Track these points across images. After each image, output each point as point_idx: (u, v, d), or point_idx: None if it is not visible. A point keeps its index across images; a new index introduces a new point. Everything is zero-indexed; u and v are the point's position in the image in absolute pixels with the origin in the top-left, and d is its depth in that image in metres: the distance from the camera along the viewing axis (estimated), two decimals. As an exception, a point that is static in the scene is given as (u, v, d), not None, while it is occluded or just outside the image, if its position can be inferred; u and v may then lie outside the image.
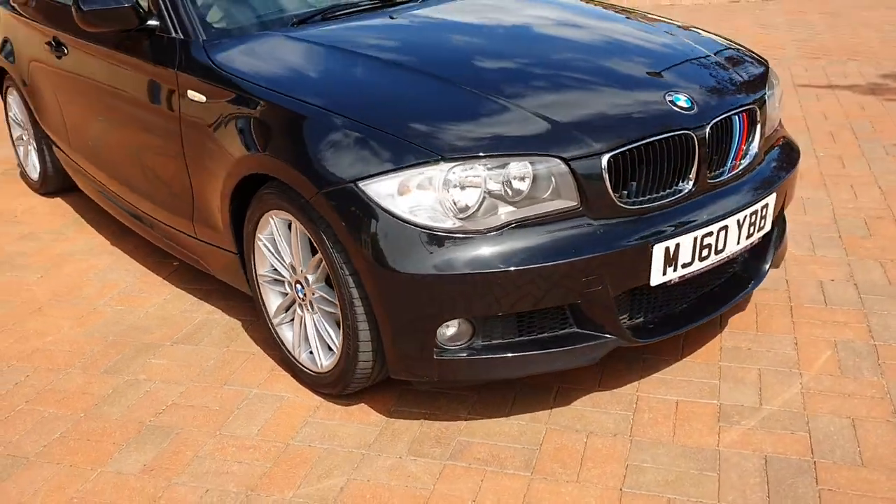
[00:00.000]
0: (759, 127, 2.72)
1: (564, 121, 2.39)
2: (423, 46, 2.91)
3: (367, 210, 2.31)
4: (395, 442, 2.50)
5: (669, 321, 2.60)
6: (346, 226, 2.34)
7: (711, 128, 2.53)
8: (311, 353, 2.73)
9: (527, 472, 2.34)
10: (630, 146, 2.38)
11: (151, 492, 2.36)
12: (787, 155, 2.90)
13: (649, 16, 3.44)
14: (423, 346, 2.37)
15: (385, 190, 2.30)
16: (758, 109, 2.71)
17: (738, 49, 3.09)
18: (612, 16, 3.33)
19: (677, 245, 2.42)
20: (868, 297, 3.12)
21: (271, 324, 2.87)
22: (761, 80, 2.85)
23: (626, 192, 2.41)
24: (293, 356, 2.79)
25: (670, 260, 2.42)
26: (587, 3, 3.57)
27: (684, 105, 2.52)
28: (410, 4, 3.34)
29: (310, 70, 2.81)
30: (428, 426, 2.56)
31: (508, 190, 2.31)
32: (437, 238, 2.29)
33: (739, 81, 2.75)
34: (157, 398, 2.79)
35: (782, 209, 2.85)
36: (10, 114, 4.88)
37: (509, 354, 2.40)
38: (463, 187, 2.28)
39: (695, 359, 2.81)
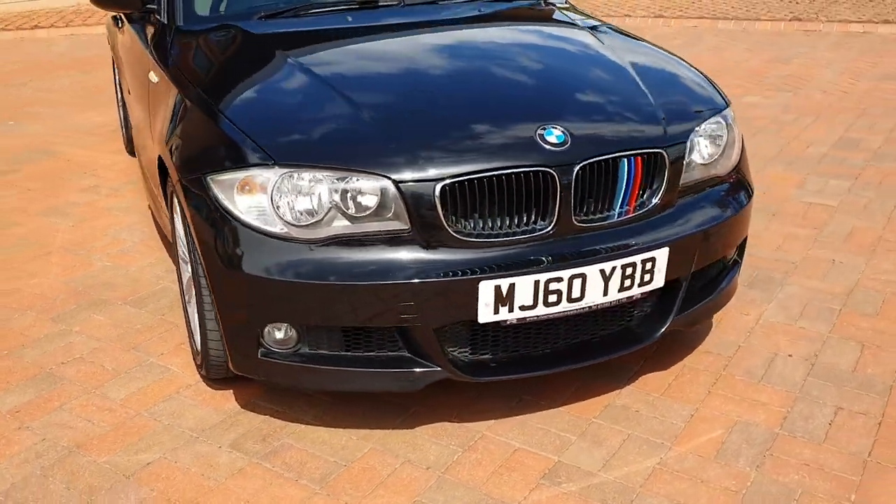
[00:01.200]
0: (665, 174, 2.49)
1: (410, 144, 2.32)
2: (341, 53, 2.92)
3: (209, 204, 2.37)
4: (227, 432, 2.56)
5: (520, 363, 2.46)
6: (191, 215, 2.43)
7: (584, 168, 2.35)
8: (198, 333, 2.85)
9: (316, 487, 2.31)
10: (468, 177, 2.27)
11: (2, 431, 2.59)
12: (717, 206, 2.62)
13: (613, 38, 3.18)
14: (249, 344, 2.41)
15: (226, 186, 2.36)
16: (664, 154, 2.47)
17: (686, 87, 2.83)
18: (554, 38, 3.18)
19: (512, 285, 2.28)
20: (814, 382, 2.75)
21: (182, 301, 3.02)
22: (688, 122, 2.59)
23: (468, 222, 2.31)
24: (189, 334, 2.93)
25: (503, 299, 2.29)
26: (560, 24, 3.39)
27: (554, 141, 2.35)
28: (382, 9, 3.37)
29: (230, 63, 2.90)
30: (268, 423, 2.60)
31: (340, 204, 2.29)
32: (264, 241, 2.31)
33: (650, 122, 2.52)
34: (71, 350, 3.03)
35: (703, 263, 2.59)
36: (117, 79, 5.41)
37: (331, 367, 2.38)
38: (295, 194, 2.29)
39: (571, 409, 2.63)
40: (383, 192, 2.27)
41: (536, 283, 2.30)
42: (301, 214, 2.29)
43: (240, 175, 2.34)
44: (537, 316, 2.35)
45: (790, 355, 2.91)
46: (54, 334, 3.14)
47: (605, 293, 2.39)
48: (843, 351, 2.94)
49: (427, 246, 2.28)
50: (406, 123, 2.41)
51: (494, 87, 2.65)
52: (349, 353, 2.40)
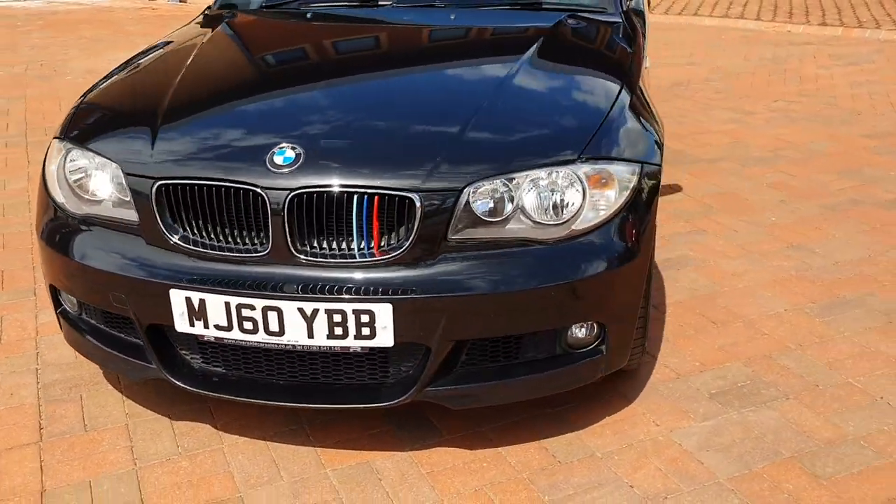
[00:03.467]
0: (416, 222, 2.14)
1: (165, 140, 2.32)
2: (276, 51, 2.97)
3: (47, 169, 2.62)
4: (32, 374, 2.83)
5: (243, 386, 2.33)
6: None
7: (304, 197, 2.14)
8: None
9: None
10: (181, 181, 2.21)
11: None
12: (512, 272, 2.18)
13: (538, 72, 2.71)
14: (53, 296, 2.63)
15: (51, 150, 2.58)
16: (413, 200, 2.13)
17: (534, 138, 2.36)
18: (470, 67, 2.84)
19: (202, 301, 2.18)
20: None
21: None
22: (471, 174, 2.17)
23: (186, 227, 2.25)
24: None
25: (196, 313, 2.20)
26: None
27: (280, 161, 2.17)
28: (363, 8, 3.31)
29: (179, 47, 3.09)
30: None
31: (88, 185, 2.39)
32: (49, 205, 2.51)
33: (420, 165, 2.17)
34: None
35: (479, 334, 2.21)
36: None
37: (93, 340, 2.50)
38: (72, 171, 2.44)
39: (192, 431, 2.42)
40: (119, 182, 2.32)
41: (227, 304, 2.17)
42: (71, 190, 2.43)
43: (54, 142, 2.55)
44: (237, 340, 2.23)
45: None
46: None
47: (311, 336, 2.17)
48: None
49: (147, 242, 2.29)
50: (186, 121, 2.42)
51: (307, 100, 2.52)
52: (110, 331, 2.50)
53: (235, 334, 2.21)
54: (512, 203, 2.20)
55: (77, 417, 2.59)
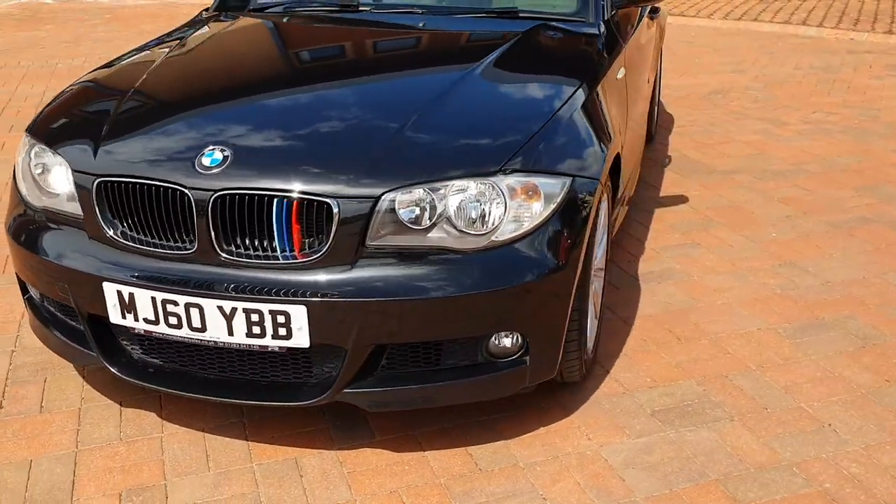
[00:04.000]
0: (334, 227, 2.19)
1: (110, 141, 2.43)
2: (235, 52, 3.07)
3: None
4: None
5: (176, 379, 2.42)
6: None
7: (227, 198, 2.21)
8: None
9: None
10: (118, 179, 2.32)
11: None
12: (426, 281, 2.21)
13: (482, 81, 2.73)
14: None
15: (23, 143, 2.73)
16: (331, 205, 2.18)
17: (461, 146, 2.39)
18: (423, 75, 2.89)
19: (132, 294, 2.28)
20: None
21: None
22: (390, 182, 2.21)
23: (124, 223, 2.35)
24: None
25: (126, 306, 2.31)
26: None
27: (207, 163, 2.25)
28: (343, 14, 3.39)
29: (154, 49, 3.21)
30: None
31: (47, 179, 2.52)
32: (20, 204, 2.64)
33: (340, 171, 2.22)
34: None
35: (394, 339, 2.25)
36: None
37: (45, 326, 2.64)
38: (34, 165, 2.58)
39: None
40: (67, 178, 2.44)
41: (154, 299, 2.27)
42: (34, 182, 2.57)
43: (24, 136, 2.70)
44: (164, 334, 2.32)
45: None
46: None
47: (231, 333, 2.25)
48: None
49: (89, 237, 2.40)
50: (133, 124, 2.52)
51: (248, 106, 2.61)
52: (63, 319, 2.62)
53: (162, 328, 2.31)
54: (434, 212, 2.23)
55: (36, 399, 2.73)
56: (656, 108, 5.29)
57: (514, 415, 2.65)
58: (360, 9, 3.38)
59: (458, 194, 2.25)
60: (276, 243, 2.23)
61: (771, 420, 2.65)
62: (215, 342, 2.29)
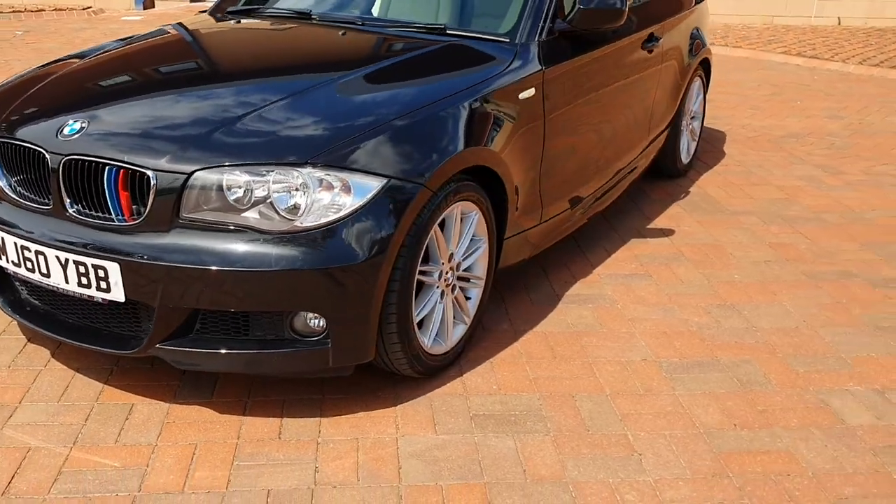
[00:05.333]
0: (151, 196, 2.48)
1: (13, 111, 2.85)
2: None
3: None
4: None
5: (43, 319, 2.79)
6: None
7: (73, 163, 2.56)
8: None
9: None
10: (3, 139, 2.74)
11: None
12: (225, 256, 2.45)
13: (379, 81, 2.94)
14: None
15: None
16: (149, 177, 2.47)
17: (294, 137, 2.62)
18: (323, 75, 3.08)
19: (2, 239, 2.68)
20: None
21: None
22: (197, 161, 2.50)
23: (12, 179, 2.76)
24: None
25: (1, 250, 2.70)
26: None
27: (66, 132, 2.62)
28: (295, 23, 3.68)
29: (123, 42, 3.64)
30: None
31: None
32: None
33: (172, 146, 2.51)
34: None
35: (200, 304, 2.50)
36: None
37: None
38: None
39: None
40: None
41: (16, 244, 2.66)
42: None
43: None
44: (25, 276, 2.70)
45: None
46: None
47: (67, 281, 2.59)
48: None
49: None
50: (36, 97, 2.94)
51: (131, 91, 3.00)
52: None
53: (23, 272, 2.69)
54: (250, 194, 2.48)
55: (-32, 326, 3.21)
56: (683, 141, 5.21)
57: (348, 398, 2.83)
58: (311, 19, 3.66)
59: (270, 180, 2.47)
60: (109, 204, 2.56)
61: (584, 441, 2.67)
62: (56, 287, 2.64)
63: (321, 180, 2.50)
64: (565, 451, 2.62)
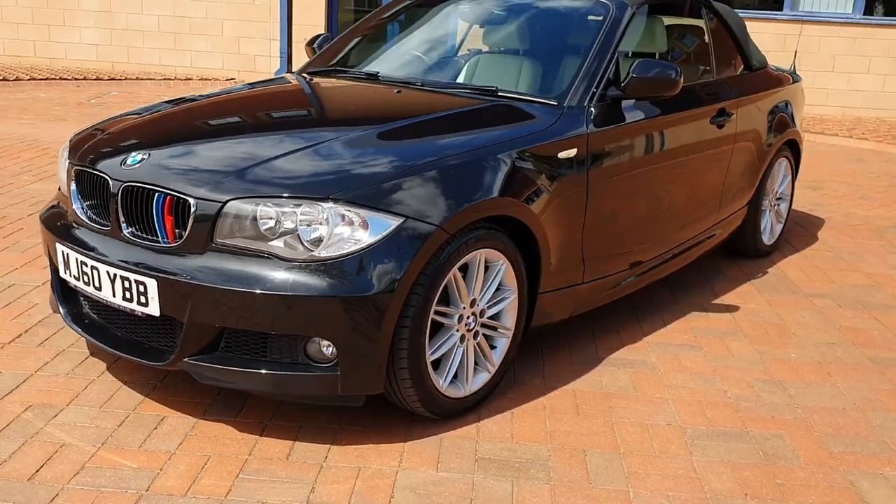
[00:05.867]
0: (190, 222, 2.73)
1: (97, 140, 3.19)
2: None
3: None
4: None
5: (98, 331, 3.05)
6: None
7: (130, 189, 2.84)
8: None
9: None
10: (77, 166, 3.06)
11: None
12: (249, 280, 2.65)
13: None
14: None
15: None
16: (190, 204, 2.71)
17: (320, 173, 2.83)
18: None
19: (67, 254, 2.99)
20: (266, 503, 2.48)
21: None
22: (237, 192, 2.72)
23: (86, 202, 3.07)
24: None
25: (66, 263, 3.01)
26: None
27: (129, 162, 2.91)
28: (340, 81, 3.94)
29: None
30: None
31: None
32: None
33: (216, 178, 2.76)
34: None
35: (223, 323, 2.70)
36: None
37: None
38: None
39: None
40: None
41: (77, 260, 2.95)
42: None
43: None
44: (83, 289, 2.98)
45: (320, 488, 2.59)
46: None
47: (114, 295, 2.85)
48: None
49: (66, 212, 3.16)
50: (120, 134, 3.27)
51: (194, 132, 3.30)
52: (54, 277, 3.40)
53: (81, 285, 2.98)
54: (280, 225, 2.68)
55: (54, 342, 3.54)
56: (765, 221, 5.11)
57: (362, 431, 2.94)
58: (379, 79, 3.91)
59: (298, 213, 2.67)
60: (157, 226, 2.82)
61: (582, 493, 2.66)
62: (106, 301, 2.90)
63: (343, 216, 2.67)
64: (559, 499, 2.61)
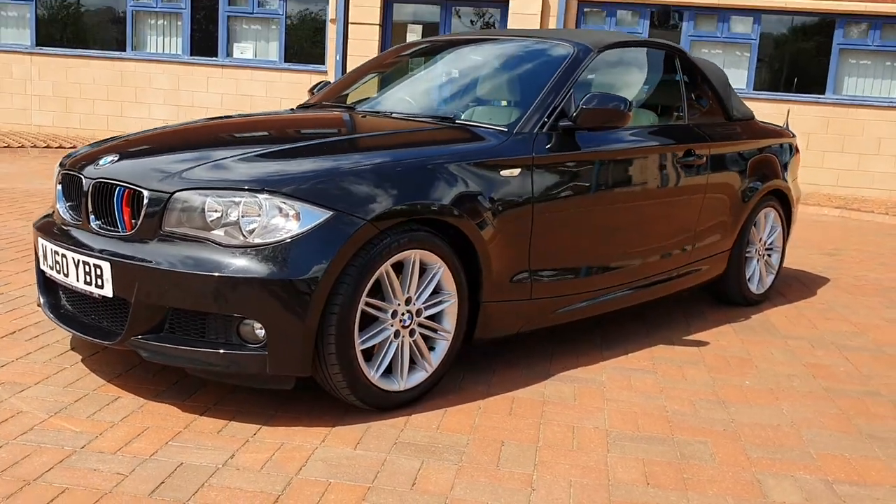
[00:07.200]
0: (144, 208, 3.03)
1: (86, 156, 3.55)
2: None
3: None
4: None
5: (71, 320, 3.35)
6: None
7: (98, 185, 3.17)
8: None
9: None
10: (63, 172, 3.41)
11: None
12: (197, 263, 2.91)
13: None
14: None
15: None
16: (143, 195, 3.02)
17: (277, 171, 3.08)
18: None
19: (44, 245, 3.32)
20: (185, 464, 2.68)
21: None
22: (180, 183, 3.02)
23: (68, 203, 3.42)
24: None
25: (45, 256, 3.34)
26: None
27: (101, 163, 3.24)
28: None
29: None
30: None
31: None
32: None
33: (172, 173, 3.06)
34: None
35: (167, 303, 2.96)
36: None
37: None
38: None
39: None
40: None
41: (51, 250, 3.27)
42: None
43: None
44: (55, 277, 3.29)
45: (240, 456, 2.78)
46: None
47: (78, 279, 3.15)
48: (267, 481, 2.63)
49: (52, 216, 3.51)
50: (116, 144, 3.63)
51: (175, 138, 3.62)
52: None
53: (54, 273, 3.30)
54: (224, 215, 2.96)
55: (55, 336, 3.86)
56: (751, 270, 5.18)
57: (296, 416, 3.12)
58: (354, 109, 4.24)
59: (241, 204, 2.95)
60: (118, 217, 3.13)
61: (486, 473, 2.78)
62: (73, 286, 3.20)
63: (280, 208, 2.94)
64: (463, 477, 2.74)
